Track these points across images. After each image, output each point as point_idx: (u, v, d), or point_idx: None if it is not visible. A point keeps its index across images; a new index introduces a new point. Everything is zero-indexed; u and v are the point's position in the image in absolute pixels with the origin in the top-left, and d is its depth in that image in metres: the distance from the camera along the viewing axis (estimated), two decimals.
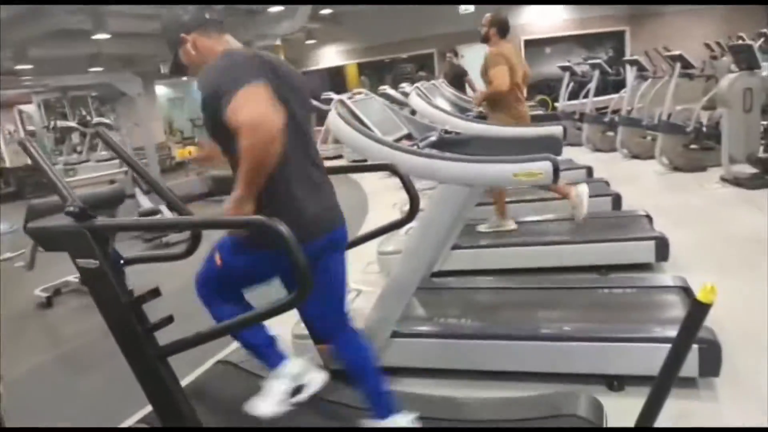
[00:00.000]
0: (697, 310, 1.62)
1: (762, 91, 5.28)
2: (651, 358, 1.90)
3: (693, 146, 6.10)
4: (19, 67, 9.06)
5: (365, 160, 2.49)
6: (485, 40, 4.06)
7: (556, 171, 2.06)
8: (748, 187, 5.07)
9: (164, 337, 1.40)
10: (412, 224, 3.63)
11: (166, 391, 1.33)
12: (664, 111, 6.24)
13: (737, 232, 4.06)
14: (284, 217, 1.16)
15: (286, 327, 2.65)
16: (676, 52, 6.40)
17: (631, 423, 1.81)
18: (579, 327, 2.51)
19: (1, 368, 1.40)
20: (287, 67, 1.63)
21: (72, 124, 12.09)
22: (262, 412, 1.67)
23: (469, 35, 10.52)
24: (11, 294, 4.24)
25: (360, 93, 2.80)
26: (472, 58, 10.67)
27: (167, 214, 5.03)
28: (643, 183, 5.92)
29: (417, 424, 1.72)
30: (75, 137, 12.50)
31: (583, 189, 3.70)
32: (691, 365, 2.12)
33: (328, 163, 1.82)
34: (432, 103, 4.10)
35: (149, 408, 1.97)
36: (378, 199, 6.21)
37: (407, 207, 2.11)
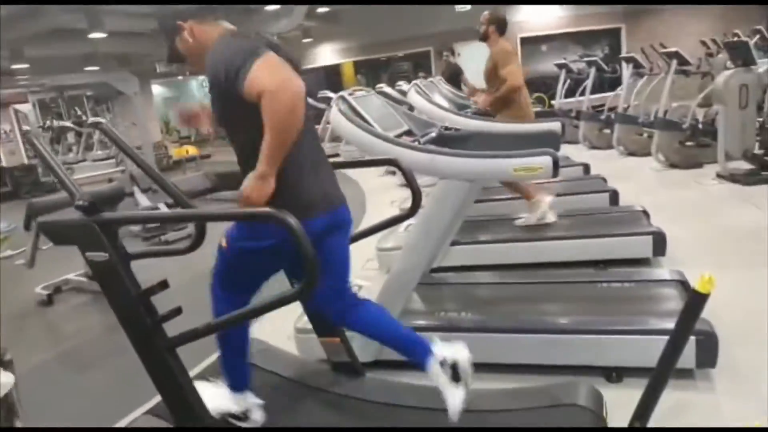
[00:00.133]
0: (696, 299, 1.65)
1: (757, 88, 5.33)
2: (648, 350, 1.93)
3: (689, 143, 6.13)
4: (15, 66, 9.03)
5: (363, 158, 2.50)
6: (484, 38, 4.07)
7: (556, 165, 2.09)
8: (743, 183, 5.12)
9: (172, 330, 1.42)
10: (412, 221, 3.69)
11: (175, 382, 1.36)
12: (660, 108, 6.29)
13: (733, 228, 4.10)
14: (287, 197, 1.17)
15: (287, 321, 2.68)
16: (673, 49, 6.43)
17: (629, 413, 1.85)
18: (578, 320, 2.54)
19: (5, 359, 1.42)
20: (285, 49, 1.62)
21: (68, 123, 12.09)
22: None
23: (465, 33, 10.56)
24: (12, 292, 4.25)
25: (360, 90, 2.82)
26: (469, 56, 10.74)
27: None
28: (639, 180, 5.96)
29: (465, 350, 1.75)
30: (70, 137, 12.51)
31: (550, 200, 3.84)
32: (688, 356, 2.14)
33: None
34: (431, 100, 4.13)
35: (150, 405, 2.01)
36: (376, 198, 6.22)
37: (405, 204, 2.13)
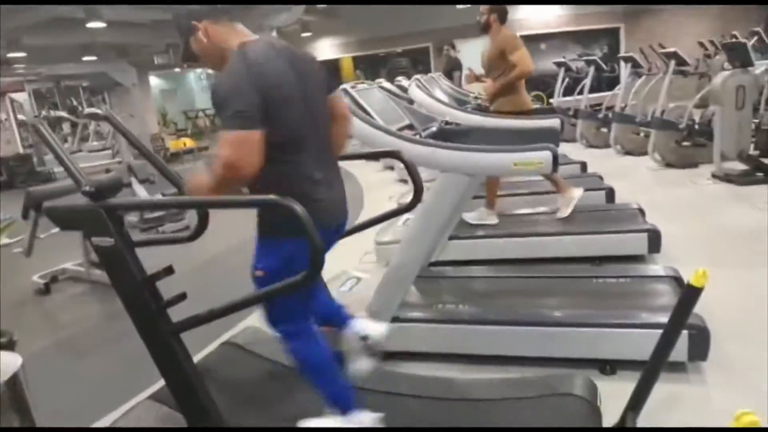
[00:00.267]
0: (690, 293, 1.69)
1: (754, 89, 5.37)
2: (642, 344, 1.96)
3: (685, 143, 6.19)
4: (11, 55, 8.98)
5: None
6: (485, 28, 4.03)
7: (556, 160, 2.12)
8: (738, 183, 5.17)
9: (176, 316, 1.44)
10: (410, 215, 3.71)
11: (179, 367, 1.37)
12: (657, 108, 6.33)
13: (727, 227, 4.15)
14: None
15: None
16: (671, 50, 6.47)
17: (622, 404, 1.89)
18: (573, 313, 2.58)
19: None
20: (304, 56, 1.67)
21: (64, 114, 12.02)
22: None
23: (464, 30, 10.58)
24: (9, 280, 4.26)
25: (362, 83, 2.84)
26: (468, 53, 10.75)
27: None
28: (635, 178, 6.00)
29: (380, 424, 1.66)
30: (66, 127, 12.44)
31: (579, 194, 3.85)
32: (680, 350, 2.18)
33: None
34: (432, 94, 4.14)
35: (151, 390, 2.04)
36: (374, 194, 6.24)
37: (403, 200, 2.15)
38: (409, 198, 2.10)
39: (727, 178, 5.29)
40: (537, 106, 9.15)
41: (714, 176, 5.44)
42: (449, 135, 2.74)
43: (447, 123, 2.94)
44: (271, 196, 1.26)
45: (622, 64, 8.13)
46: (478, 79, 4.83)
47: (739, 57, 5.27)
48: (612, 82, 9.44)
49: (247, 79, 1.45)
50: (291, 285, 1.26)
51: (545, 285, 3.03)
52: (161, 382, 1.96)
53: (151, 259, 1.49)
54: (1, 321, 3.07)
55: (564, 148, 6.83)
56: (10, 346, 1.42)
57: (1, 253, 4.54)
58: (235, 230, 1.97)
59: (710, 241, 3.91)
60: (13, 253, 4.44)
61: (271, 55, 1.54)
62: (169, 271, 1.32)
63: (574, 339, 2.44)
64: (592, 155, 6.95)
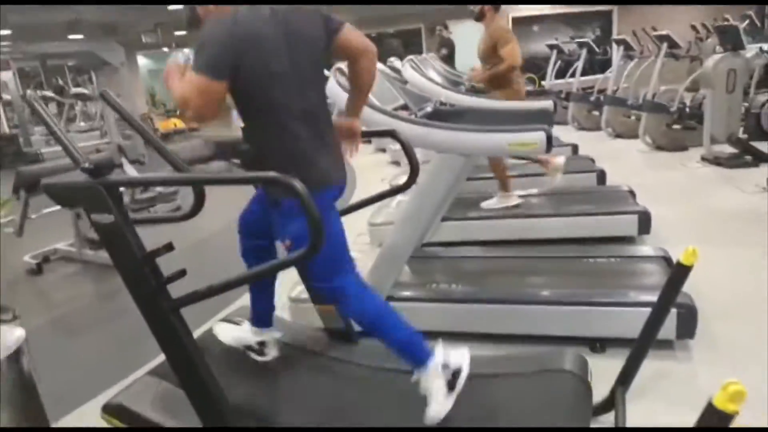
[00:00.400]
0: (679, 271, 1.73)
1: (745, 73, 5.41)
2: (631, 322, 2.02)
3: (676, 126, 6.23)
4: None
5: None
6: (480, 17, 4.03)
7: (550, 141, 2.14)
8: (727, 166, 5.23)
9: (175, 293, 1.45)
10: (402, 197, 3.72)
11: (179, 342, 1.39)
12: (649, 91, 6.36)
13: (716, 209, 4.22)
14: (296, 169, 1.20)
15: (282, 290, 2.72)
16: (664, 33, 6.48)
17: (612, 380, 1.94)
18: (564, 292, 2.61)
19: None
20: (303, 18, 1.63)
21: (50, 93, 11.80)
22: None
23: (457, 12, 10.50)
24: (2, 260, 4.24)
25: None
26: (461, 35, 10.68)
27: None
28: (626, 161, 6.05)
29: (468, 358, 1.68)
30: (52, 107, 12.22)
31: (515, 201, 3.94)
32: (669, 328, 2.22)
33: None
34: (426, 75, 4.13)
35: (149, 367, 2.05)
36: (367, 175, 6.23)
37: (396, 182, 2.16)
38: (402, 180, 2.11)
39: (717, 161, 5.36)
40: (530, 88, 9.15)
41: (703, 159, 5.51)
42: (444, 115, 2.75)
43: (442, 104, 2.95)
44: (272, 174, 1.26)
45: (615, 46, 8.13)
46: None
47: (730, 40, 5.30)
48: (604, 65, 9.46)
49: (227, 36, 1.49)
50: (292, 261, 1.27)
51: (537, 265, 3.07)
52: (157, 360, 2.00)
53: (145, 240, 1.50)
54: None
55: (555, 131, 6.81)
56: (13, 321, 1.43)
57: None
58: (230, 209, 1.98)
59: (699, 222, 3.97)
60: (4, 233, 4.41)
61: (260, 19, 1.53)
62: (169, 247, 1.33)
63: (565, 317, 2.48)
64: (583, 138, 6.99)
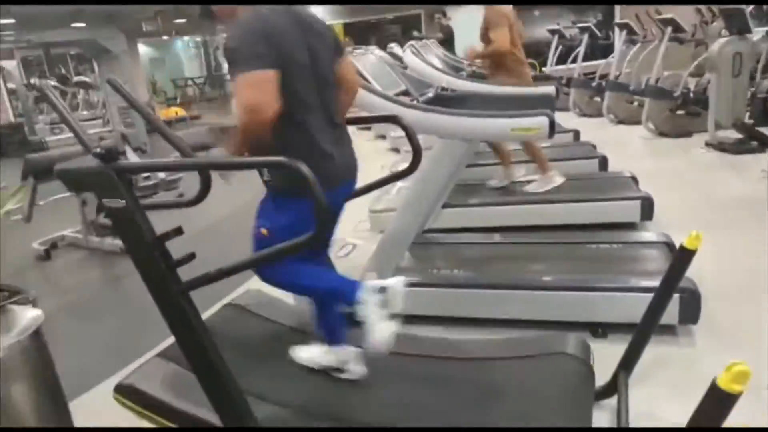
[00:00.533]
0: (683, 255, 1.74)
1: (751, 57, 5.36)
2: (633, 307, 2.04)
3: (679, 112, 6.20)
4: (1, 21, 8.75)
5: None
6: None
7: (552, 126, 2.16)
8: (732, 152, 5.21)
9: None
10: (403, 183, 3.74)
11: (189, 325, 1.42)
12: (652, 76, 6.31)
13: (720, 195, 4.20)
14: (313, 167, 1.22)
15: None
16: (668, 16, 6.41)
17: (614, 365, 1.96)
18: (566, 278, 2.64)
19: None
20: (314, 18, 1.70)
21: (54, 82, 11.81)
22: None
23: None
24: (11, 246, 4.31)
25: (359, 48, 2.83)
26: (461, 20, 10.60)
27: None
28: (629, 147, 6.03)
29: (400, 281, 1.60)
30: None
31: (561, 180, 3.93)
32: (671, 313, 2.25)
33: None
34: (427, 61, 4.13)
35: (157, 350, 2.09)
36: (367, 163, 6.20)
37: (396, 169, 2.17)
38: (402, 167, 2.13)
39: (721, 147, 5.33)
40: (532, 73, 9.08)
41: (708, 145, 5.48)
42: (446, 101, 2.76)
43: (443, 89, 2.95)
44: (279, 158, 1.28)
45: (617, 31, 8.06)
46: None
47: (736, 24, 5.24)
48: (606, 50, 9.38)
49: (260, 31, 1.51)
50: (297, 245, 1.30)
51: (539, 251, 3.09)
52: (165, 343, 2.04)
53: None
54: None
55: (556, 117, 6.83)
56: (31, 303, 1.46)
57: (2, 220, 4.58)
58: (234, 195, 2.00)
59: (703, 209, 3.96)
60: (12, 219, 4.47)
61: (281, 15, 1.58)
62: (178, 231, 1.35)
63: (567, 302, 2.51)
64: (584, 124, 6.96)
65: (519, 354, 1.91)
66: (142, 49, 17.76)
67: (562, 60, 8.65)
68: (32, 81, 11.74)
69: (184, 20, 14.54)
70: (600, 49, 9.61)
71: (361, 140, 7.50)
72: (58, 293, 3.83)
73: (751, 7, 7.13)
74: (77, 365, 2.48)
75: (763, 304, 2.53)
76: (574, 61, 8.20)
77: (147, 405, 1.75)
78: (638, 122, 6.54)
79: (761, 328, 2.34)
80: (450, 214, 3.75)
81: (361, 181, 1.90)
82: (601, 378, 1.92)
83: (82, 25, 9.34)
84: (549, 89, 3.27)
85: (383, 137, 7.54)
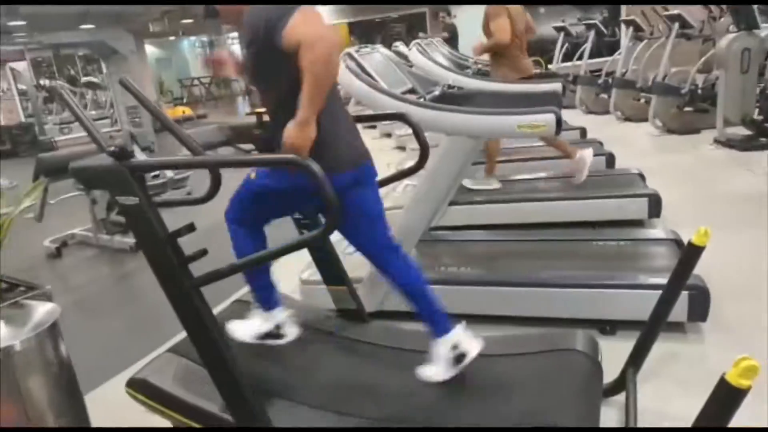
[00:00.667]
0: (691, 251, 1.74)
1: (760, 52, 5.32)
2: (641, 304, 2.03)
3: (687, 108, 6.17)
4: (12, 23, 8.84)
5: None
6: None
7: (559, 123, 2.16)
8: (741, 148, 5.17)
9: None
10: (409, 181, 3.74)
11: (200, 319, 1.44)
12: (659, 72, 6.29)
13: (729, 192, 4.17)
14: (322, 150, 1.24)
15: (293, 273, 2.78)
16: (675, 12, 6.37)
17: (622, 362, 1.96)
18: (574, 275, 2.64)
19: None
20: None
21: (63, 83, 11.93)
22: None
23: None
24: (24, 244, 4.39)
25: (365, 47, 2.85)
26: (466, 19, 10.59)
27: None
28: (636, 145, 6.01)
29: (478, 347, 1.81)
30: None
31: (588, 153, 3.82)
32: (680, 310, 2.24)
33: None
34: (433, 59, 4.14)
35: (169, 344, 2.12)
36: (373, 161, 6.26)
37: (402, 167, 2.17)
38: (408, 165, 2.15)
39: (730, 143, 5.30)
40: (538, 70, 9.07)
41: (716, 142, 5.45)
42: (452, 99, 2.77)
43: (450, 87, 2.96)
44: (290, 156, 1.30)
45: (623, 28, 8.02)
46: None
47: (744, 19, 5.20)
48: (612, 47, 9.34)
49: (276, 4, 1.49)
50: (309, 239, 1.32)
51: (546, 248, 3.09)
52: (176, 338, 2.06)
53: None
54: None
55: (563, 115, 6.83)
56: (48, 298, 1.49)
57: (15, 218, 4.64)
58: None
59: (711, 206, 3.93)
60: (24, 218, 4.54)
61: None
62: (190, 228, 1.37)
63: (575, 300, 2.50)
64: (591, 122, 6.94)
65: (526, 350, 1.91)
66: (149, 49, 17.86)
67: (568, 57, 8.63)
68: (43, 82, 11.90)
69: (190, 20, 14.61)
70: (606, 46, 9.56)
71: (366, 138, 7.48)
72: (69, 290, 3.89)
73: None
74: (89, 360, 2.51)
75: None
76: (580, 58, 8.18)
77: (158, 399, 1.78)
78: (645, 119, 6.51)
79: None
80: (457, 212, 3.75)
81: None
82: (610, 375, 1.92)
83: (91, 26, 9.42)
84: (556, 86, 3.27)
85: (389, 135, 7.55)
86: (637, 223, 3.56)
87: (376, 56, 2.93)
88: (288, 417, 1.66)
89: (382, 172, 2.16)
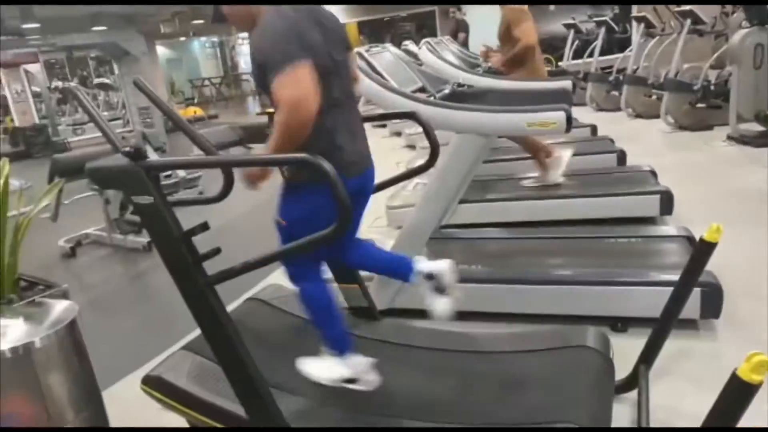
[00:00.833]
0: (703, 248, 1.74)
1: None
2: (653, 301, 2.03)
3: (699, 105, 6.11)
4: (26, 26, 8.97)
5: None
6: None
7: (569, 120, 2.16)
8: (754, 145, 5.12)
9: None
10: (419, 180, 3.74)
11: (214, 317, 1.46)
12: (671, 69, 6.24)
13: (742, 189, 4.13)
14: (332, 152, 1.25)
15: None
16: (687, 7, 6.31)
17: (634, 359, 1.96)
18: (585, 272, 2.64)
19: None
20: (328, 14, 1.73)
21: (75, 84, 12.07)
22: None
23: None
24: (38, 244, 4.45)
25: (375, 46, 2.86)
26: (477, 15, 10.57)
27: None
28: (647, 141, 5.97)
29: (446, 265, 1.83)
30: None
31: (567, 154, 3.86)
32: (693, 307, 2.23)
33: None
34: (443, 57, 4.14)
35: (183, 342, 2.14)
36: (382, 159, 6.24)
37: (412, 165, 2.17)
38: (418, 163, 2.15)
39: (743, 140, 5.25)
40: (548, 68, 9.03)
41: (729, 138, 5.40)
42: (463, 97, 2.77)
43: (460, 85, 2.96)
44: (302, 154, 1.32)
45: (634, 24, 7.96)
46: (488, 54, 4.76)
47: (757, 15, 5.16)
48: (623, 44, 9.27)
49: (288, 29, 1.53)
50: (320, 238, 1.33)
51: (557, 245, 3.09)
52: (190, 336, 2.09)
53: None
54: None
55: (573, 112, 6.79)
56: (65, 296, 1.52)
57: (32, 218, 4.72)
58: (254, 192, 2.05)
59: (723, 203, 3.90)
60: (39, 218, 4.61)
61: (302, 12, 1.61)
62: (204, 227, 1.39)
63: (587, 297, 2.50)
64: (602, 119, 6.91)
65: (538, 347, 1.92)
66: (160, 50, 17.99)
67: (578, 54, 8.57)
68: (56, 84, 12.05)
69: (201, 21, 14.70)
70: (617, 43, 9.49)
71: (376, 137, 7.53)
72: (84, 289, 3.94)
73: None
74: (105, 357, 2.54)
75: None
76: (591, 55, 8.13)
77: (173, 396, 1.80)
78: (656, 116, 6.46)
79: None
80: (467, 210, 3.74)
81: (377, 178, 1.93)
82: (622, 372, 1.92)
83: (103, 28, 9.53)
84: (565, 83, 3.26)
85: (398, 134, 7.56)
86: (649, 221, 3.55)
87: (386, 55, 2.94)
88: (301, 415, 1.68)
89: (392, 171, 2.17)
